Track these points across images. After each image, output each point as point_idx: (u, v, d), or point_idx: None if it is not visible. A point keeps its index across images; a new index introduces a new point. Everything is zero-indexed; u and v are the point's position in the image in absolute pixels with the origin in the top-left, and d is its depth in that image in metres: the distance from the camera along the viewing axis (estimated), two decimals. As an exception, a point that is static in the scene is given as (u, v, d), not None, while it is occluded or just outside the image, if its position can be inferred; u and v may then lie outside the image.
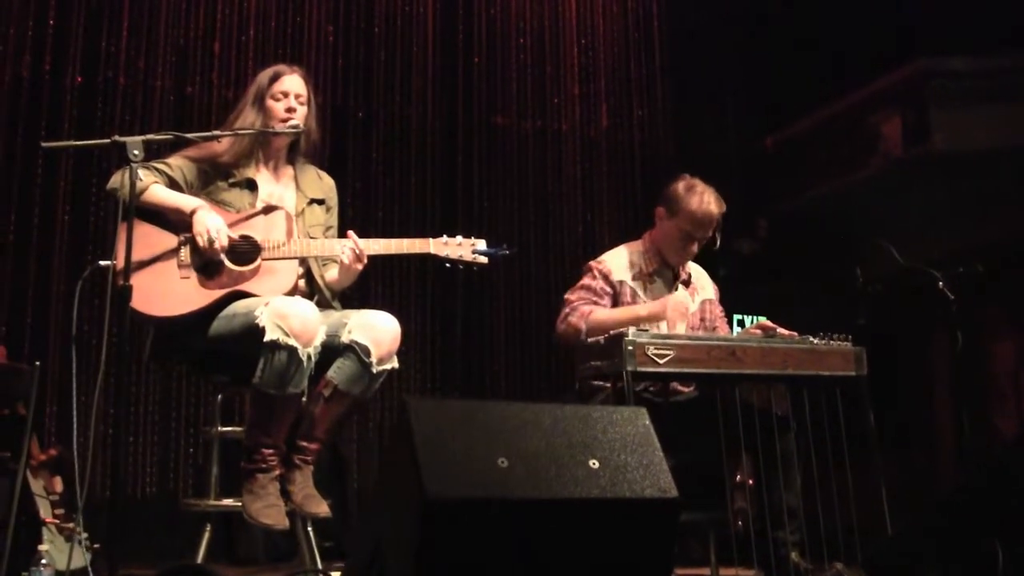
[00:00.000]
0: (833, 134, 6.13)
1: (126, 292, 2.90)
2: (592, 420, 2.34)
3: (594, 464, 2.25)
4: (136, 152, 2.96)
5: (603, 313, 3.70)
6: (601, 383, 3.62)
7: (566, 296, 3.86)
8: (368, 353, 3.26)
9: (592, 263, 3.92)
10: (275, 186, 3.56)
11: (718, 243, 3.88)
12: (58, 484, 4.14)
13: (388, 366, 3.33)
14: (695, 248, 3.86)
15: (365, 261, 3.42)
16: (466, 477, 2.12)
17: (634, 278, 3.87)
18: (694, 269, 4.06)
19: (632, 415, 2.38)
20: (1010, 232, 5.35)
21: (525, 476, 2.18)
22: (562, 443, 2.26)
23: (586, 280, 3.86)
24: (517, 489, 2.16)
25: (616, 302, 3.82)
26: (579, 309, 3.75)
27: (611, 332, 3.37)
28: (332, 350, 3.28)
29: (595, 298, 3.79)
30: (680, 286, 3.95)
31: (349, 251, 3.39)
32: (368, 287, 5.45)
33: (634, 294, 3.85)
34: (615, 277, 3.84)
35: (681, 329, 3.68)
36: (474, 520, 2.12)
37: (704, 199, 3.78)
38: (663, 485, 2.28)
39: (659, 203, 3.92)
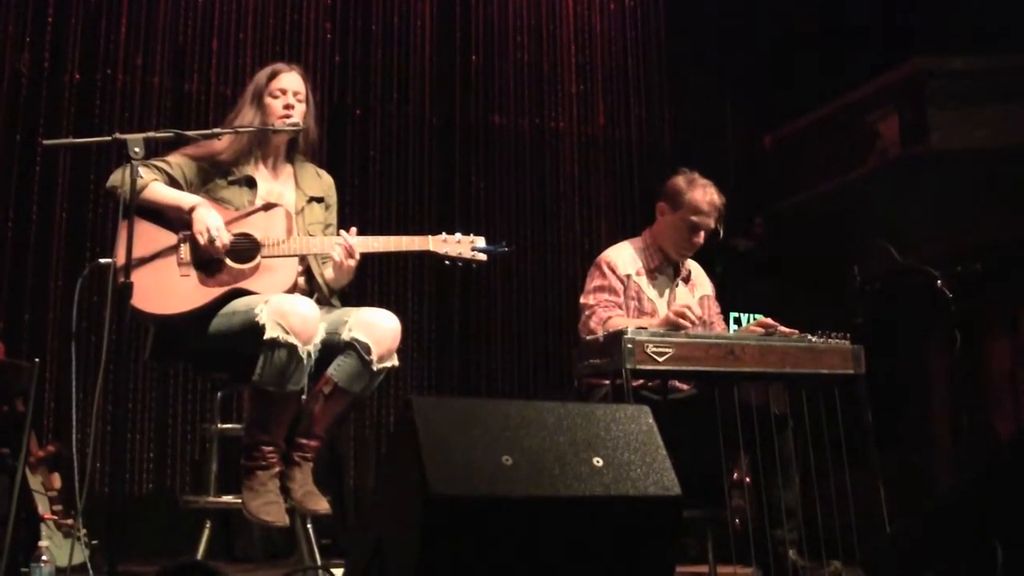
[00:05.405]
0: (831, 133, 6.12)
1: (126, 290, 2.91)
2: (595, 418, 2.34)
3: (598, 462, 2.25)
4: (137, 150, 2.97)
5: (621, 323, 3.66)
6: (600, 381, 3.62)
7: (582, 301, 3.86)
8: (368, 351, 3.26)
9: (600, 259, 3.92)
10: (274, 184, 3.56)
11: (721, 233, 3.91)
12: (56, 480, 4.14)
13: (388, 364, 3.34)
14: (700, 239, 3.88)
15: (357, 257, 3.41)
16: (470, 475, 2.12)
17: (638, 274, 3.88)
18: (693, 266, 4.08)
19: (635, 413, 2.38)
20: (1008, 231, 5.35)
21: (529, 474, 2.18)
22: (566, 441, 2.26)
23: (597, 280, 3.85)
24: (521, 487, 2.16)
25: (623, 298, 3.83)
26: (597, 313, 3.75)
27: (611, 330, 3.38)
28: (332, 348, 3.28)
29: (612, 297, 3.80)
30: (680, 282, 3.96)
31: (339, 248, 3.39)
32: (365, 285, 5.44)
33: (639, 290, 3.86)
34: (621, 271, 3.85)
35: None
36: (478, 518, 2.12)
37: (707, 190, 3.86)
38: (666, 483, 2.28)
39: (660, 198, 3.95)
